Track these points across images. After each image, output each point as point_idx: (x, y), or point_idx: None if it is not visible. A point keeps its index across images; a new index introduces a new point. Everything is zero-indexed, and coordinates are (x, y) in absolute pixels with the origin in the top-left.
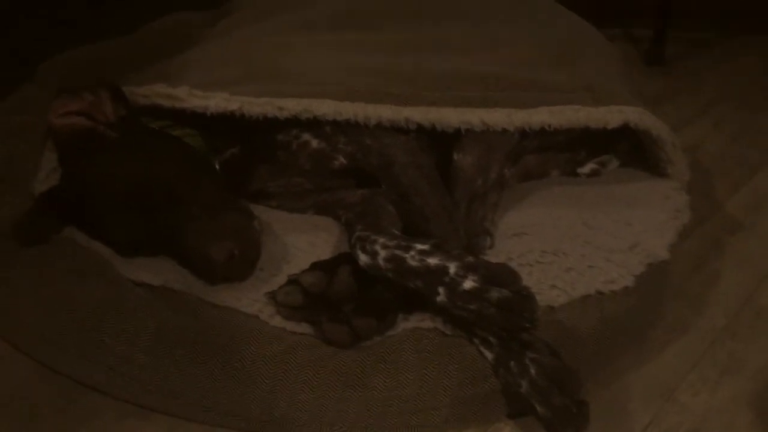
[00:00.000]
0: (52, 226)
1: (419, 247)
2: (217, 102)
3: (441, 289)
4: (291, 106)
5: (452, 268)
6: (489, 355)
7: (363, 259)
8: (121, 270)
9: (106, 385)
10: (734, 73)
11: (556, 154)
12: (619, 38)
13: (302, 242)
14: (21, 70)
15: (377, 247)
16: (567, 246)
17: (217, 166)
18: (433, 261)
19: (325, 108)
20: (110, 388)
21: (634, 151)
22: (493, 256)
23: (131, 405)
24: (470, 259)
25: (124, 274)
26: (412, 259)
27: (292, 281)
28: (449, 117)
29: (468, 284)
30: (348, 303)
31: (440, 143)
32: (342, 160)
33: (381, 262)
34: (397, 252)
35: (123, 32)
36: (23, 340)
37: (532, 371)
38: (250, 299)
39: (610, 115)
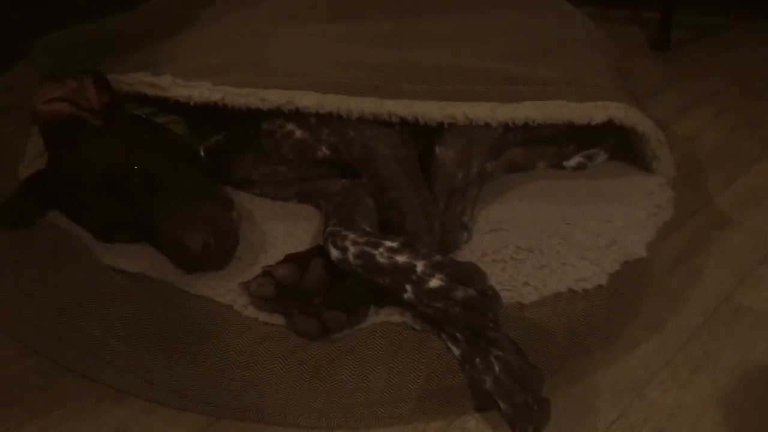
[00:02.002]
0: (35, 210)
1: (388, 244)
2: (200, 92)
3: (408, 287)
4: (274, 98)
5: (419, 266)
6: (456, 350)
7: (334, 254)
8: (100, 256)
9: (83, 368)
10: (740, 60)
11: (543, 146)
12: (627, 21)
13: (281, 231)
14: (17, 48)
15: (347, 243)
16: (543, 243)
17: (201, 153)
18: (401, 259)
19: (308, 100)
20: (87, 371)
21: (622, 144)
22: (468, 252)
23: (108, 387)
24: (438, 258)
25: (103, 261)
26: (380, 256)
27: (266, 273)
28: (432, 111)
29: (434, 282)
30: (319, 296)
31: (424, 135)
32: (325, 150)
33: (351, 257)
34: (367, 249)
35: (123, 9)
36: (3, 319)
37: (497, 368)
38: (225, 288)
39: (594, 111)
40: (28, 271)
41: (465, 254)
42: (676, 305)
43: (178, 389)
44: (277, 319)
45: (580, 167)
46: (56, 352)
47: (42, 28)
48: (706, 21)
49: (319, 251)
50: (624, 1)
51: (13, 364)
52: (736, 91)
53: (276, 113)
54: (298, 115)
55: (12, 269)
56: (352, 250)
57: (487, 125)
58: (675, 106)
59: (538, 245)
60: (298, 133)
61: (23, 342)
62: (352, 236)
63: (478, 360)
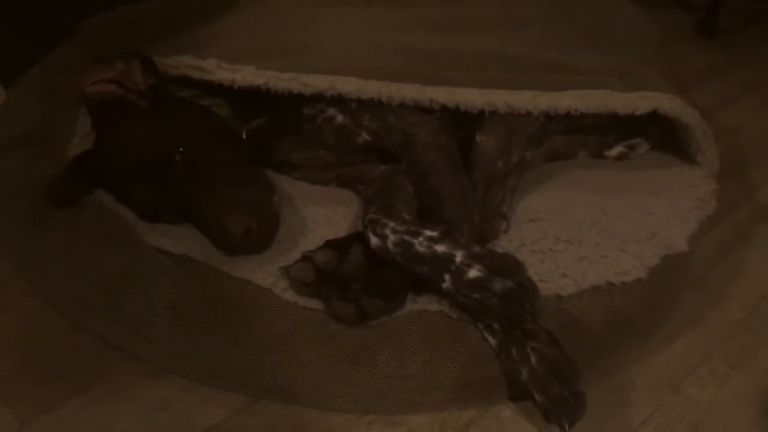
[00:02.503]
0: (82, 189)
1: (428, 233)
2: (243, 75)
3: (447, 276)
4: (316, 83)
5: (459, 256)
6: (492, 340)
7: (374, 241)
8: (144, 236)
9: (127, 345)
10: None
11: (585, 135)
12: (673, 5)
13: (320, 216)
14: (64, 28)
15: (387, 231)
16: (582, 234)
17: (243, 136)
18: (440, 248)
19: (350, 86)
20: (131, 348)
21: (665, 135)
22: (506, 242)
23: (149, 365)
24: (477, 248)
25: (147, 241)
26: (420, 245)
27: (306, 258)
28: (473, 98)
29: (473, 273)
30: (358, 282)
31: (464, 122)
32: (366, 136)
33: (390, 246)
34: (406, 237)
35: None
36: (53, 296)
37: (533, 360)
38: (265, 272)
39: (638, 101)
40: (75, 249)
41: (503, 244)
42: (715, 300)
43: (217, 369)
44: (316, 304)
45: (621, 157)
46: (102, 329)
47: (88, 7)
48: (756, 6)
49: (358, 237)
50: None
51: (61, 340)
52: None
53: (317, 98)
54: (339, 100)
55: (60, 247)
56: (391, 238)
57: (529, 114)
58: (720, 95)
59: (577, 236)
60: (339, 119)
61: (71, 318)
62: (391, 224)
63: (514, 351)
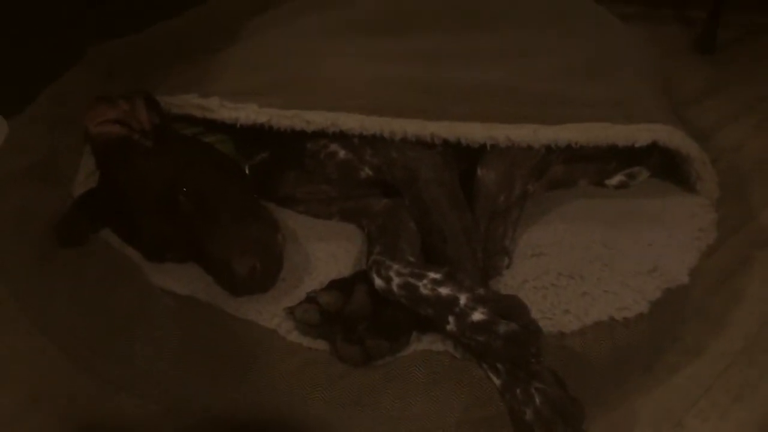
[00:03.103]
0: (88, 228)
1: (432, 276)
2: (246, 114)
3: (451, 319)
4: (318, 120)
5: (463, 299)
6: (497, 380)
7: (378, 283)
8: (150, 277)
9: (133, 386)
10: None
11: (585, 163)
12: (672, 20)
13: (324, 253)
14: (70, 53)
15: (392, 274)
16: (584, 268)
17: (247, 171)
18: (444, 291)
19: (352, 122)
20: (137, 389)
21: (665, 162)
22: (509, 278)
23: (155, 406)
24: (481, 291)
25: (153, 281)
26: (424, 287)
27: (311, 299)
28: (475, 132)
29: (477, 316)
30: (363, 321)
31: (466, 155)
32: (368, 171)
33: (395, 288)
34: (411, 280)
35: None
36: (59, 337)
37: (537, 400)
38: (270, 313)
39: (639, 133)
40: (81, 289)
41: (506, 280)
42: (716, 329)
43: (223, 411)
44: (321, 345)
45: (621, 186)
46: (108, 370)
47: (98, 32)
48: (755, 20)
49: (362, 277)
50: (670, 0)
51: (67, 381)
52: None
53: (320, 133)
54: (342, 136)
55: (66, 287)
56: (396, 280)
57: (530, 147)
58: (719, 113)
59: (579, 271)
60: (342, 154)
61: (77, 359)
62: (396, 267)
63: (518, 391)
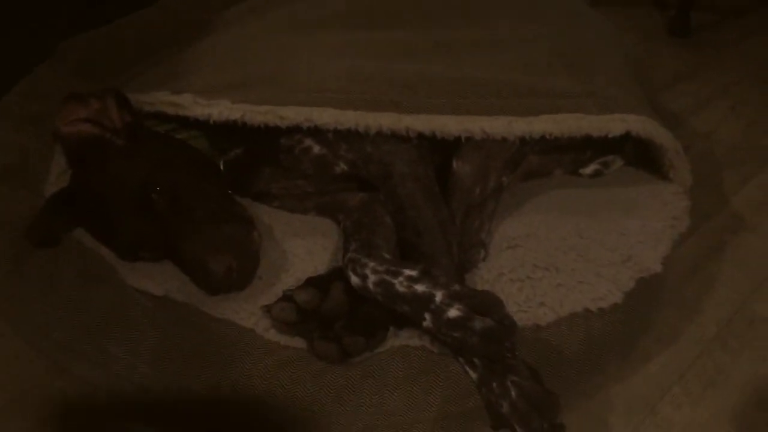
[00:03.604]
0: (62, 228)
1: (407, 273)
2: (219, 110)
3: (427, 315)
4: (292, 116)
5: (438, 295)
6: (473, 374)
7: (354, 281)
8: (125, 277)
9: (112, 388)
10: (761, 47)
11: (560, 154)
12: (645, 4)
13: (301, 249)
14: (40, 49)
15: (367, 271)
16: (559, 259)
17: (221, 167)
18: (420, 288)
19: (326, 117)
20: (115, 391)
21: (639, 151)
22: (485, 271)
23: (134, 408)
24: (457, 287)
25: (128, 282)
26: (400, 284)
27: (287, 297)
28: (449, 126)
29: (453, 312)
30: (340, 319)
31: (441, 148)
32: (343, 166)
33: (371, 285)
34: (386, 277)
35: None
36: (36, 340)
37: (513, 394)
38: (247, 312)
39: (612, 124)
40: (56, 291)
41: (482, 273)
42: (689, 316)
43: (203, 411)
44: (299, 343)
45: (596, 174)
46: (86, 372)
47: (67, 27)
48: (729, 3)
49: (338, 274)
50: None
51: (46, 383)
52: (755, 81)
53: (294, 128)
54: (316, 131)
55: (41, 289)
56: (371, 278)
57: (504, 139)
58: (693, 98)
59: (555, 262)
60: (316, 149)
61: (54, 361)
62: (371, 264)
63: (495, 384)
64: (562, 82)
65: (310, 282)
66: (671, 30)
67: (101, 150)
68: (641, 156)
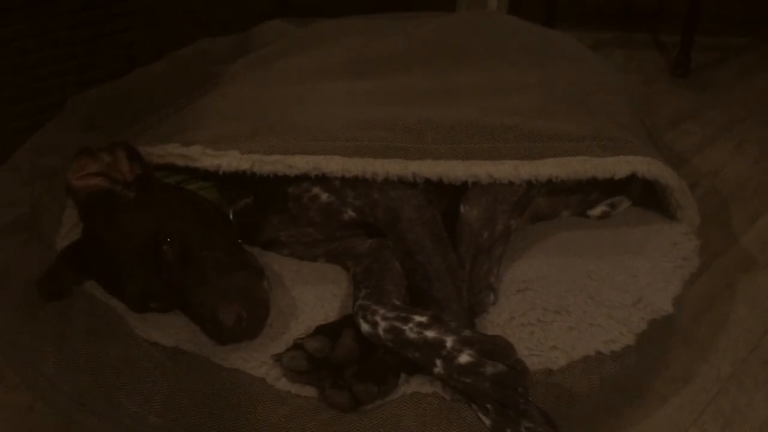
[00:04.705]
0: (73, 281)
1: (417, 319)
2: (229, 161)
3: (438, 362)
4: (300, 165)
5: (449, 342)
6: (487, 421)
7: (364, 328)
8: (135, 329)
9: None
10: (762, 83)
11: (568, 195)
12: (648, 45)
13: (310, 296)
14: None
15: (377, 318)
16: (570, 302)
17: (231, 216)
18: (430, 334)
19: (334, 165)
20: None
21: (646, 191)
22: (495, 315)
23: None
24: (467, 333)
25: (138, 333)
26: (410, 331)
27: (298, 345)
28: (456, 171)
29: (464, 358)
30: (351, 366)
31: (448, 192)
32: (351, 213)
33: (381, 332)
34: (396, 324)
35: (149, 60)
36: (45, 391)
37: None
38: (258, 361)
39: (617, 166)
40: (67, 343)
41: (492, 317)
42: (704, 355)
43: None
44: (310, 392)
45: (604, 216)
46: (96, 425)
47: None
48: (729, 42)
49: (349, 321)
50: (645, 25)
51: None
52: (759, 118)
53: (302, 176)
54: (323, 179)
55: (52, 342)
56: (382, 325)
57: (511, 183)
58: (697, 137)
59: (565, 305)
60: (324, 197)
61: (64, 415)
62: (381, 311)
63: (508, 431)
64: (566, 126)
65: (320, 330)
66: (673, 70)
67: (112, 202)
68: (648, 196)
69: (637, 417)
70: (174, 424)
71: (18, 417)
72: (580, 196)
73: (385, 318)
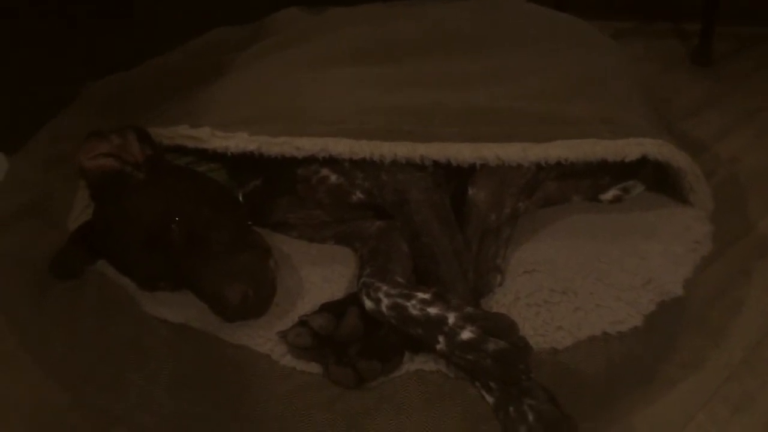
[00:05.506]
0: (84, 261)
1: (420, 296)
2: (237, 142)
3: (440, 338)
4: (308, 146)
5: (451, 318)
6: (490, 398)
7: (368, 305)
8: (144, 306)
9: (130, 417)
10: None
11: (578, 180)
12: (668, 34)
13: (317, 276)
14: (64, 92)
15: (381, 295)
16: (577, 284)
17: (240, 198)
18: (433, 311)
19: (341, 147)
20: (134, 420)
21: (659, 175)
22: (501, 295)
23: None
24: (469, 309)
25: (147, 311)
26: (413, 308)
27: (303, 322)
28: (464, 153)
29: (466, 335)
30: (355, 344)
31: (456, 175)
32: (359, 195)
33: (384, 309)
34: (399, 300)
35: (162, 50)
36: (57, 369)
37: (530, 417)
38: (264, 338)
39: (627, 148)
40: (78, 321)
41: (498, 298)
42: (715, 340)
43: None
44: (315, 368)
45: (616, 200)
46: (105, 402)
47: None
48: (750, 31)
49: (354, 299)
50: (665, 14)
51: (65, 414)
52: None
53: (311, 159)
54: (332, 161)
55: (63, 320)
56: (385, 301)
57: (519, 165)
58: (716, 125)
59: (572, 287)
60: (333, 178)
61: (74, 391)
62: (384, 288)
63: (511, 408)
64: (575, 109)
65: (325, 307)
66: (693, 59)
67: (122, 183)
68: (661, 181)
69: (645, 400)
70: (181, 399)
71: (30, 395)
72: (590, 181)
73: (388, 295)
